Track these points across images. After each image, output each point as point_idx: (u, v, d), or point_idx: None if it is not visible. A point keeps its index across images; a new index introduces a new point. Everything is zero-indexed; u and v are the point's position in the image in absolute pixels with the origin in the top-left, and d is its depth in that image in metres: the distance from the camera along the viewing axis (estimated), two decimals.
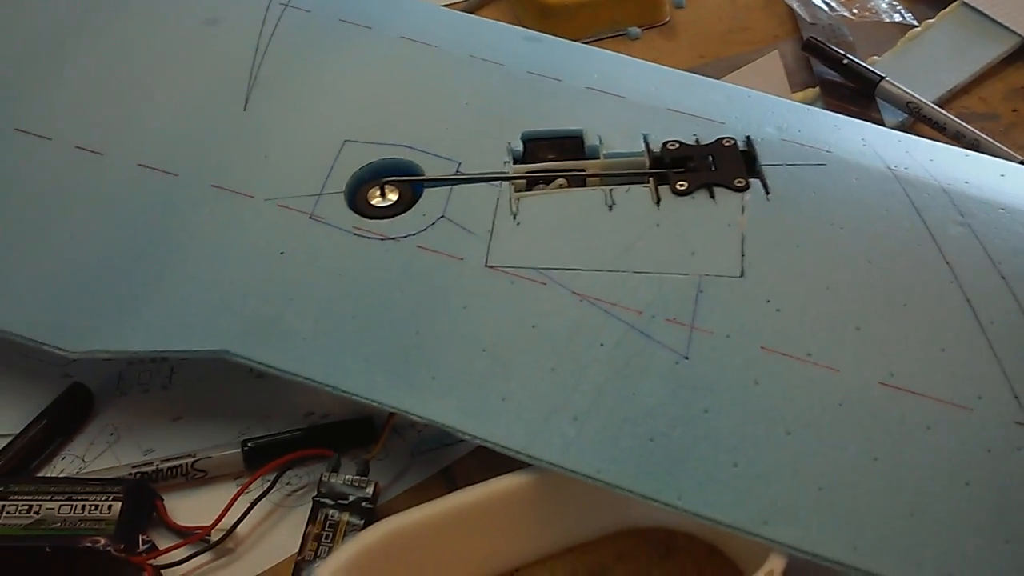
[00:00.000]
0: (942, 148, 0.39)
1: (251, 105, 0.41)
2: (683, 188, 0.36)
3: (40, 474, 0.36)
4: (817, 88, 0.54)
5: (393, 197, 0.37)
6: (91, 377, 0.38)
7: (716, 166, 0.37)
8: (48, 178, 0.39)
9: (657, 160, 0.37)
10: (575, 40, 0.59)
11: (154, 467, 0.34)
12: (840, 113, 0.52)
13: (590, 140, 0.38)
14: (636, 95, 0.41)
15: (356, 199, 0.37)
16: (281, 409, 0.37)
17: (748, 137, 0.38)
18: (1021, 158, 0.49)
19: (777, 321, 0.32)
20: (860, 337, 0.31)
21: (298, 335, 0.33)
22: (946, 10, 0.61)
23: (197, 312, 0.34)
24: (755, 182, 0.36)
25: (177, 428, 0.37)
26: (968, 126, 0.50)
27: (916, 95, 0.52)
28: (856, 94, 0.53)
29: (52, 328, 0.34)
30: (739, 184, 0.36)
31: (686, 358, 0.31)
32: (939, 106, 0.54)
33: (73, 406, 0.37)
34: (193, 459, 0.35)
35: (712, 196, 0.36)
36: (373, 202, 0.37)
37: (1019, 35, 0.58)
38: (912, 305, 0.32)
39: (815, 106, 0.53)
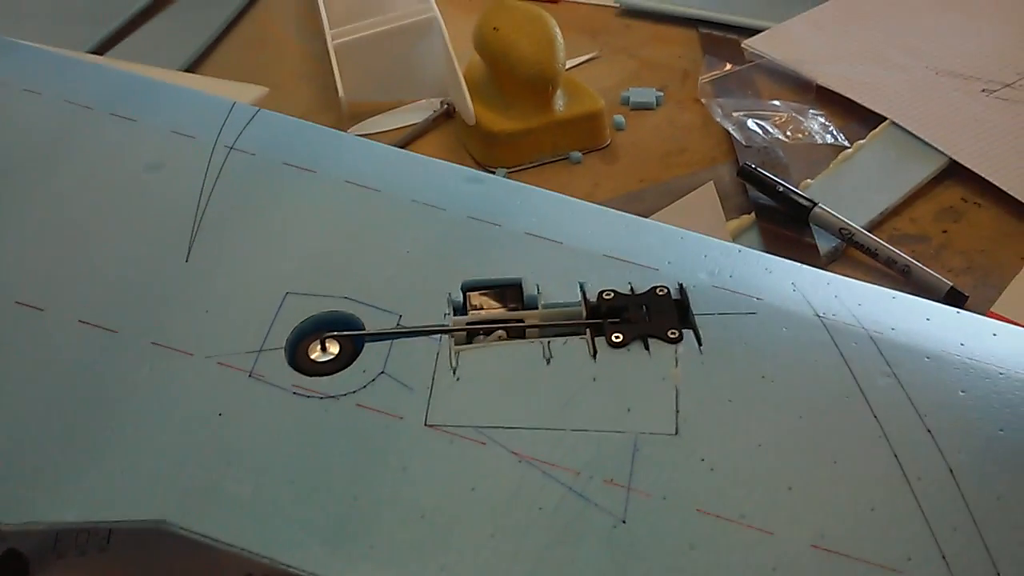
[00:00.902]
0: (870, 290, 0.40)
1: (193, 256, 0.41)
2: (619, 340, 0.36)
3: None
4: (752, 215, 0.56)
5: (334, 351, 0.37)
6: (26, 539, 0.37)
7: (650, 316, 0.37)
8: None
9: (594, 310, 0.38)
10: (519, 164, 0.62)
11: None
12: (775, 238, 0.54)
13: (529, 289, 0.39)
14: (573, 239, 0.42)
15: (296, 354, 0.37)
16: (220, 571, 0.37)
17: (681, 285, 0.39)
18: (950, 283, 0.50)
19: (712, 481, 0.32)
20: (792, 497, 0.32)
21: (236, 503, 0.33)
22: (876, 131, 0.63)
23: (135, 480, 0.34)
24: (688, 333, 0.37)
25: None
26: (899, 252, 0.52)
27: (848, 221, 0.54)
28: (791, 219, 0.55)
29: None
30: (672, 336, 0.37)
31: (624, 522, 0.31)
32: (872, 228, 0.56)
33: None
34: None
35: (647, 348, 0.36)
36: (313, 356, 0.37)
37: (946, 155, 0.61)
38: (842, 462, 0.33)
39: (751, 231, 0.55)
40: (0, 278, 0.40)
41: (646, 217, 0.53)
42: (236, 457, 0.34)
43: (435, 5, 0.65)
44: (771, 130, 0.63)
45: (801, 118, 0.64)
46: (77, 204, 0.44)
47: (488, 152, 0.61)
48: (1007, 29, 0.73)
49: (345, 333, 0.38)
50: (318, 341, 0.37)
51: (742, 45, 0.73)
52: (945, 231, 0.57)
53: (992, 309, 0.50)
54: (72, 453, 0.35)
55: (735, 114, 0.64)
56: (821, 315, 0.38)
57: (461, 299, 0.39)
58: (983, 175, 0.59)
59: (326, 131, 0.50)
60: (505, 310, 0.39)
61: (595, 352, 0.36)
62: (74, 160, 0.46)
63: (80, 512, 0.33)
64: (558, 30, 0.60)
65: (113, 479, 0.34)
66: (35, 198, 0.44)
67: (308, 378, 0.36)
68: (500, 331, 0.38)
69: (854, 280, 0.41)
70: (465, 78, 0.61)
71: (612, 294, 0.38)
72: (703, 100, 0.67)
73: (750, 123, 0.63)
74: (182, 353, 0.37)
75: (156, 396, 0.36)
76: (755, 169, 0.57)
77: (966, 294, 0.50)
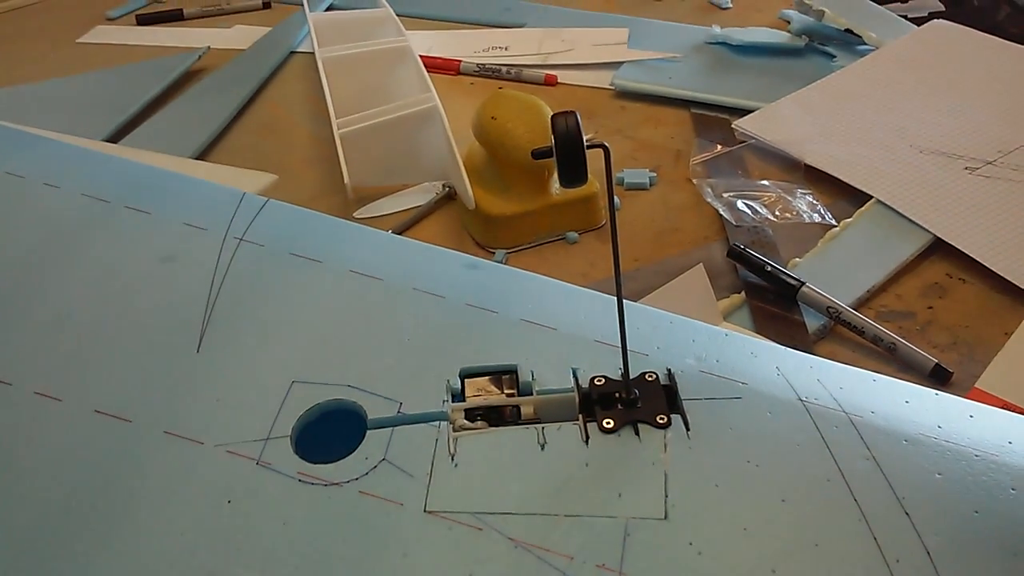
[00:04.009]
0: (851, 373, 0.42)
1: (204, 346, 0.43)
2: (610, 426, 0.38)
3: None
4: (742, 294, 0.58)
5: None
6: None
7: (640, 402, 0.39)
8: (5, 425, 0.40)
9: (586, 396, 0.40)
10: (518, 245, 0.64)
11: None
12: (765, 316, 0.56)
13: (524, 375, 0.41)
14: (566, 325, 0.44)
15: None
16: None
17: (669, 370, 0.41)
18: (935, 360, 0.52)
19: (699, 565, 0.34)
20: None
21: None
22: (862, 209, 0.65)
23: (148, 566, 0.35)
24: (677, 418, 0.39)
25: None
26: (885, 329, 0.54)
27: (835, 300, 0.55)
28: (780, 298, 0.57)
29: None
30: (661, 421, 0.38)
31: None
32: (859, 304, 0.58)
33: None
34: None
35: (637, 433, 0.38)
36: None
37: (930, 232, 0.63)
38: (823, 545, 0.34)
39: (742, 310, 0.57)
40: (19, 368, 0.42)
41: (640, 296, 0.55)
42: (244, 544, 0.36)
43: (436, 95, 0.68)
44: (760, 210, 0.65)
45: (789, 197, 0.66)
46: (93, 296, 0.46)
47: (488, 234, 0.64)
48: (988, 108, 0.76)
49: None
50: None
51: (732, 125, 0.76)
52: (931, 307, 0.58)
53: (977, 385, 0.52)
54: (88, 542, 0.36)
55: (725, 195, 0.66)
56: (804, 399, 0.39)
57: (459, 386, 0.41)
58: (967, 252, 0.61)
59: (332, 221, 0.52)
60: (502, 396, 0.41)
61: (587, 438, 0.38)
62: (91, 253, 0.48)
63: None
64: None
65: (126, 566, 0.35)
66: (53, 290, 0.46)
67: (313, 465, 0.38)
68: (497, 417, 0.40)
69: (836, 363, 0.43)
70: (465, 163, 0.64)
71: (603, 380, 0.40)
72: (695, 181, 0.69)
73: (740, 204, 0.65)
74: (193, 442, 0.39)
75: (168, 484, 0.38)
76: (744, 250, 0.59)
77: (951, 370, 0.52)
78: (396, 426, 0.39)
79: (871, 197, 0.66)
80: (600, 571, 0.34)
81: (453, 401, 0.40)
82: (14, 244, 0.48)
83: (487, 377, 0.42)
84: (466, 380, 0.41)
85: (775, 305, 0.57)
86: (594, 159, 0.36)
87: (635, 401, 0.39)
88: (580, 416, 0.39)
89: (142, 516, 0.37)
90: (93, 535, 0.36)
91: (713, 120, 0.79)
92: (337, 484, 0.37)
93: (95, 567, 0.35)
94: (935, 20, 0.93)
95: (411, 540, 0.35)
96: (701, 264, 0.58)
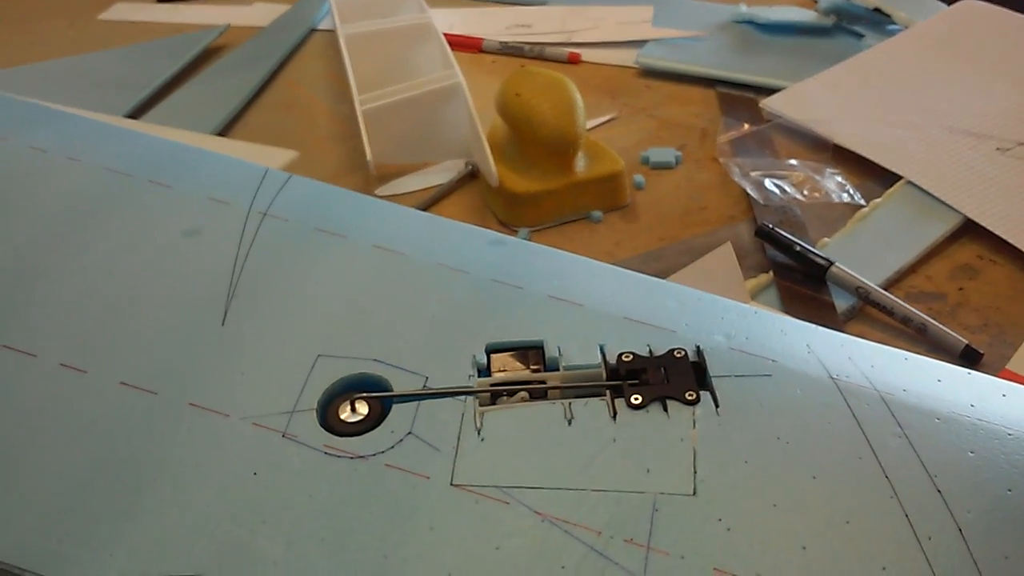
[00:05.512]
0: (882, 351, 0.41)
1: (229, 319, 0.43)
2: (638, 402, 0.38)
3: None
4: (770, 273, 0.57)
5: (363, 411, 0.39)
6: None
7: (668, 378, 0.39)
8: (32, 396, 0.40)
9: (613, 372, 0.39)
10: (541, 224, 0.63)
11: None
12: (793, 296, 0.55)
13: (550, 351, 0.41)
14: (593, 302, 0.43)
15: (327, 415, 0.39)
16: None
17: (698, 347, 0.40)
18: (965, 341, 0.51)
19: (728, 540, 0.33)
20: (805, 556, 0.33)
21: (269, 560, 0.34)
22: (892, 189, 0.64)
23: (174, 536, 0.35)
24: (705, 394, 0.38)
25: None
26: (915, 310, 0.53)
27: (864, 280, 0.55)
28: (808, 278, 0.56)
29: (30, 555, 0.35)
30: (690, 397, 0.38)
31: None
32: (888, 286, 0.57)
33: None
34: None
35: (665, 409, 0.38)
36: (343, 416, 0.39)
37: (961, 213, 0.62)
38: (854, 522, 0.34)
39: (769, 289, 0.56)
40: (45, 341, 0.42)
41: (666, 276, 0.55)
42: (269, 515, 0.36)
43: (459, 71, 0.67)
44: (788, 189, 0.64)
45: (818, 177, 0.65)
46: (118, 270, 0.46)
47: (511, 212, 0.63)
48: (1020, 89, 0.74)
49: (374, 395, 0.39)
50: (348, 402, 0.39)
51: (760, 105, 0.75)
52: (961, 288, 0.57)
53: (1008, 367, 0.51)
54: (114, 511, 0.36)
55: (753, 173, 0.65)
56: (834, 377, 0.39)
57: (485, 361, 0.41)
58: (998, 233, 0.60)
59: (355, 196, 0.52)
60: (528, 371, 0.40)
61: (615, 413, 0.38)
62: (115, 226, 0.48)
63: (121, 570, 0.35)
64: (578, 95, 0.62)
65: (153, 536, 0.35)
66: (78, 264, 0.46)
67: (339, 438, 0.38)
68: (523, 392, 0.39)
69: (867, 341, 0.42)
70: (488, 141, 0.63)
71: (631, 356, 0.40)
72: (721, 160, 0.68)
73: (767, 183, 0.64)
74: (218, 414, 0.39)
75: (194, 455, 0.38)
76: (772, 229, 0.58)
77: (981, 352, 0.51)
78: (422, 400, 0.39)
79: (901, 177, 0.65)
80: (628, 546, 0.33)
81: (479, 376, 0.40)
82: (38, 217, 0.48)
83: (513, 352, 0.41)
84: (492, 355, 0.41)
85: (803, 285, 0.56)
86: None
87: (663, 378, 0.39)
88: (608, 392, 0.39)
89: (167, 488, 0.37)
90: (118, 506, 0.36)
91: (739, 99, 0.78)
92: (363, 457, 0.37)
93: (120, 538, 0.35)
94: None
95: (438, 513, 0.35)
96: (729, 243, 0.57)
